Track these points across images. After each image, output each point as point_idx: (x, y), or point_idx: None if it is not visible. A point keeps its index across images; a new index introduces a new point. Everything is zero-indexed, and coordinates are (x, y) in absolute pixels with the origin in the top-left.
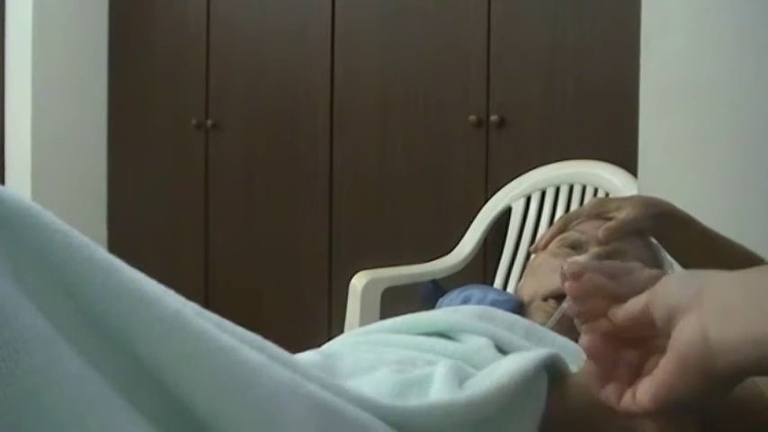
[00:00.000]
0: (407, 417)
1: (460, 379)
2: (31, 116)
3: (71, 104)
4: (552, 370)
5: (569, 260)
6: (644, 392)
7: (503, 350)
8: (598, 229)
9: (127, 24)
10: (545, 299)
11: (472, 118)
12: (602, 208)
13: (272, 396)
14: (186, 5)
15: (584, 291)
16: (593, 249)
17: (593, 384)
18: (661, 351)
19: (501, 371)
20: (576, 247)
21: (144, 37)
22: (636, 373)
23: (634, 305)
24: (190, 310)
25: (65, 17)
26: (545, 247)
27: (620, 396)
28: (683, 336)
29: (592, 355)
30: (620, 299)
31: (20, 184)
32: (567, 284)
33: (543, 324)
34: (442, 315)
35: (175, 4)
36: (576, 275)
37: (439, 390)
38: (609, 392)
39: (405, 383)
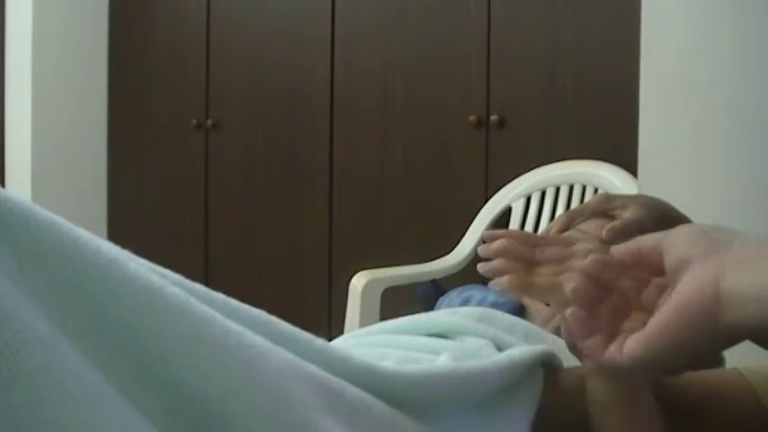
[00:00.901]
0: (406, 384)
1: None
2: (31, 116)
3: (71, 104)
4: (548, 366)
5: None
6: (636, 342)
7: (501, 350)
8: (601, 229)
9: (127, 24)
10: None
11: (472, 118)
12: (606, 205)
13: (277, 378)
14: (186, 5)
15: (491, 253)
16: None
17: (577, 330)
18: (645, 308)
19: (501, 355)
20: None
21: (144, 37)
22: (617, 325)
23: (642, 243)
24: (195, 300)
25: (65, 17)
26: None
27: (604, 348)
28: (692, 286)
29: (579, 295)
30: (537, 264)
31: (20, 184)
32: (480, 248)
33: (543, 326)
34: (441, 317)
35: (175, 4)
36: (489, 238)
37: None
38: (594, 343)
39: None
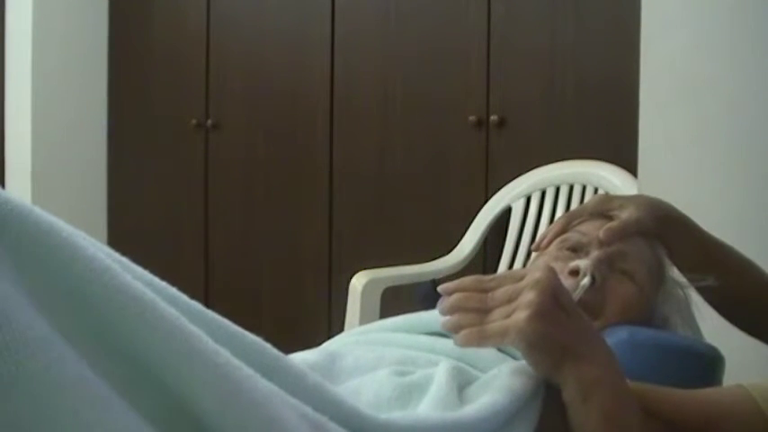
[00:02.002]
0: None
1: (460, 383)
2: (31, 116)
3: (71, 104)
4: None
5: (441, 287)
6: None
7: (502, 349)
8: (599, 230)
9: (127, 24)
10: None
11: (472, 118)
12: (604, 206)
13: (266, 402)
14: (186, 5)
15: (446, 310)
16: (595, 252)
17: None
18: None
19: (500, 384)
20: (577, 250)
21: (144, 37)
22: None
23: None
24: (186, 320)
25: (65, 17)
26: (546, 246)
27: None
28: (566, 386)
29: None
30: (489, 311)
31: (20, 184)
32: (438, 305)
33: None
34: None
35: (175, 3)
36: (445, 292)
37: (435, 398)
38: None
39: (405, 387)
